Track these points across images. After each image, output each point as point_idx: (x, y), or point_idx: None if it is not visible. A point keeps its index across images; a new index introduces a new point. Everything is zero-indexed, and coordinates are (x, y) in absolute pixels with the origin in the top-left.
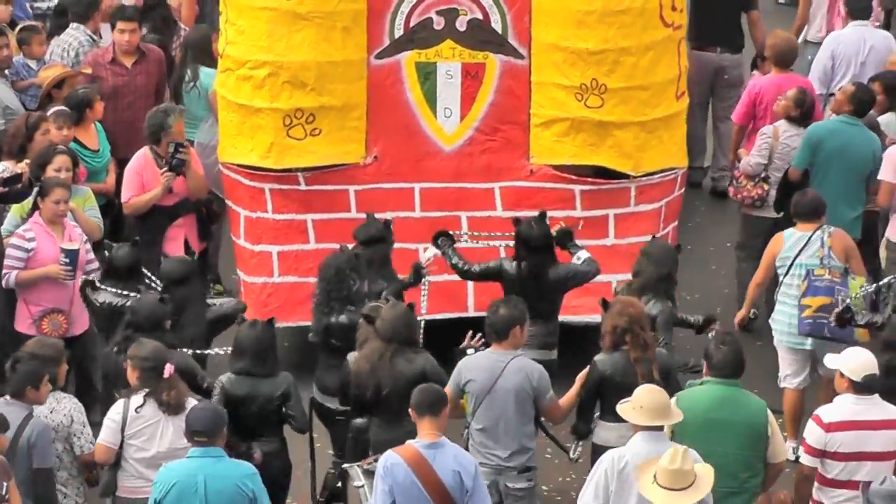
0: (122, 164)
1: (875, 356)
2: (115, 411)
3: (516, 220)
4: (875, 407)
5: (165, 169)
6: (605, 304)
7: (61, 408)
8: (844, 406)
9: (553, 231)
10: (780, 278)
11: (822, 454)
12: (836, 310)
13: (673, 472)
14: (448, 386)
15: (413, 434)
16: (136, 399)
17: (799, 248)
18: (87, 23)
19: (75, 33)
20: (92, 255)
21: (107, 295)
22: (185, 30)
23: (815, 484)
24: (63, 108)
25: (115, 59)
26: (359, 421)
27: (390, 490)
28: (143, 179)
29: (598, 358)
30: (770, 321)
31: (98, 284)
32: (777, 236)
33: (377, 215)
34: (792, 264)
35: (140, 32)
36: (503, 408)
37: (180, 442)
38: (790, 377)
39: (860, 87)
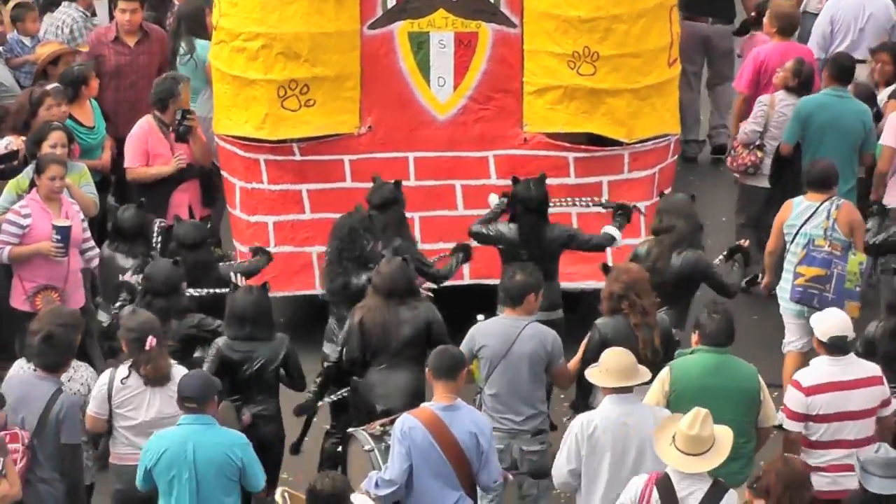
0: (122, 143)
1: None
2: (101, 381)
3: (514, 179)
4: (851, 366)
5: (173, 138)
6: (606, 269)
7: (78, 376)
8: (821, 368)
9: (619, 202)
10: (787, 246)
11: (804, 418)
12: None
13: (692, 437)
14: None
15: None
16: (122, 370)
17: (806, 217)
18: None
19: (68, 10)
20: (88, 234)
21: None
22: (178, 5)
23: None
24: (57, 85)
25: (118, 38)
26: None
27: (408, 452)
28: (146, 147)
29: (599, 321)
30: (777, 290)
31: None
32: (787, 203)
33: None
34: (798, 233)
35: (142, 12)
36: (517, 372)
37: (167, 410)
38: (794, 342)
39: (840, 54)
